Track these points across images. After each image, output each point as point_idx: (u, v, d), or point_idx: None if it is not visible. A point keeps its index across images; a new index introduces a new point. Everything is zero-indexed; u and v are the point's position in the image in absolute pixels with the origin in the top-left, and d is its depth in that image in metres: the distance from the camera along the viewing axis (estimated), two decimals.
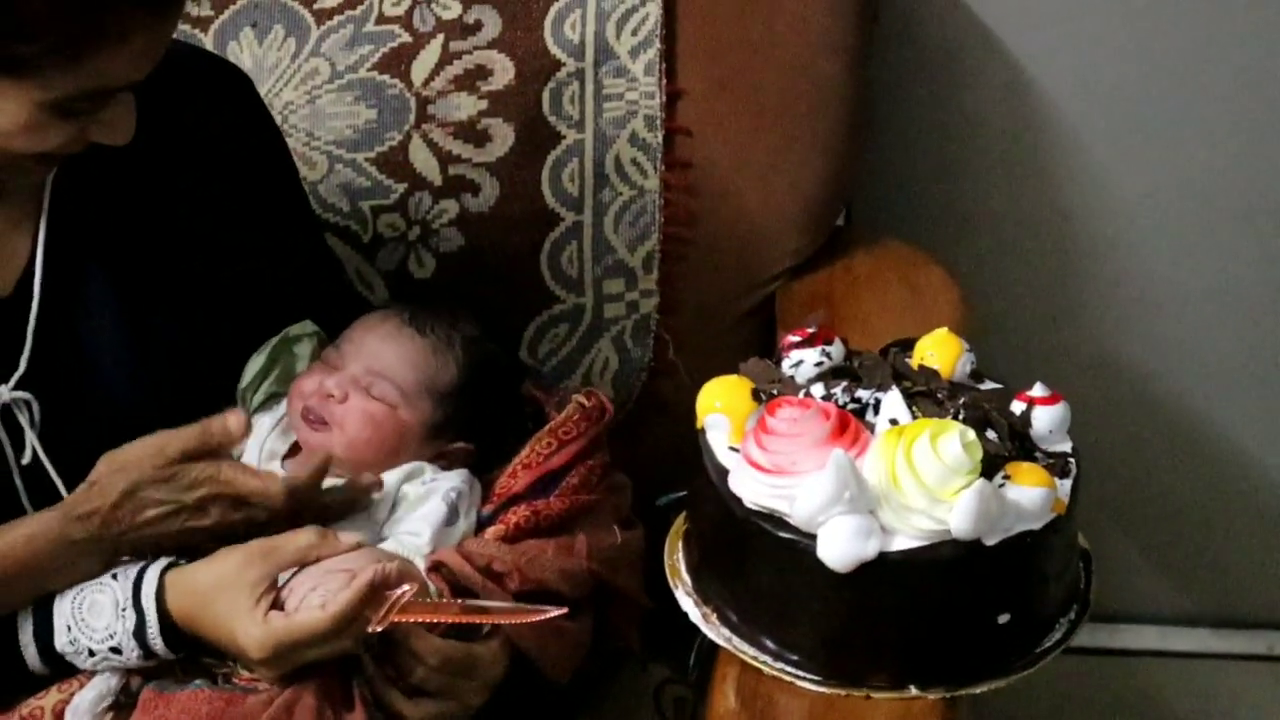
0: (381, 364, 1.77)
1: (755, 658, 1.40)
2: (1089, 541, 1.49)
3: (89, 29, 1.45)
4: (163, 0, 1.50)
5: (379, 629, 1.56)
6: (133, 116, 1.57)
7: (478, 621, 1.65)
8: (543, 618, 1.61)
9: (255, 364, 1.79)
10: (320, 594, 1.58)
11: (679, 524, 1.52)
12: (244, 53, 2.08)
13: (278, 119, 1.99)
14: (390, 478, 1.74)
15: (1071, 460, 1.43)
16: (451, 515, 1.72)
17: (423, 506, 1.72)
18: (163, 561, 1.63)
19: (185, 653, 1.63)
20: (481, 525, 1.75)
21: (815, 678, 1.38)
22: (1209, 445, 2.52)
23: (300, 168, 1.97)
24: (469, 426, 1.80)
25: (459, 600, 1.64)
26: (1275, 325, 2.45)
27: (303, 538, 1.62)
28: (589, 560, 1.75)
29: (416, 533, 1.70)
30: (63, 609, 1.62)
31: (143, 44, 1.50)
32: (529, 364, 2.09)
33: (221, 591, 1.59)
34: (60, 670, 1.63)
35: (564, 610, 1.63)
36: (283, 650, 1.57)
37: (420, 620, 1.60)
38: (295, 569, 1.61)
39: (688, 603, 1.46)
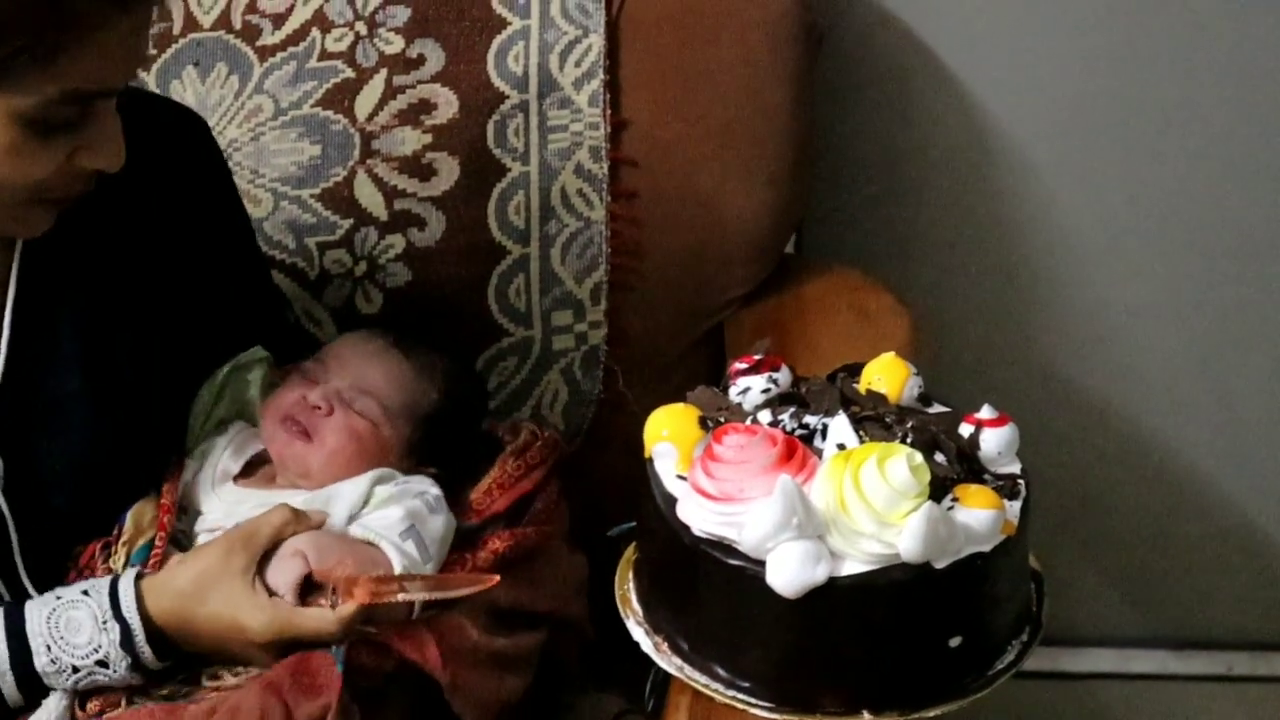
0: (367, 381, 1.78)
1: (707, 686, 1.39)
2: (1045, 564, 1.49)
3: (58, 19, 1.44)
4: None
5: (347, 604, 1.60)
6: (120, 136, 1.56)
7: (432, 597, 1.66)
8: (483, 587, 1.62)
9: (208, 393, 1.80)
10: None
11: (629, 554, 1.52)
12: (187, 91, 2.08)
13: None
14: (361, 479, 1.73)
15: (1020, 482, 1.42)
16: (430, 506, 1.72)
17: (396, 502, 1.71)
18: (132, 571, 1.64)
19: (171, 661, 1.64)
20: (464, 537, 1.74)
21: (767, 704, 1.37)
22: (1163, 465, 2.52)
23: (245, 205, 1.96)
24: (440, 452, 1.80)
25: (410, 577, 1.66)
26: (1227, 345, 2.45)
27: (276, 516, 1.65)
28: (546, 600, 1.77)
29: (387, 515, 1.69)
30: (38, 629, 1.62)
31: (113, 42, 1.49)
32: None
33: (212, 585, 1.61)
34: (34, 696, 1.63)
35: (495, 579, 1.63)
36: (284, 636, 1.60)
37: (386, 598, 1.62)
38: None
39: (639, 632, 1.45)
